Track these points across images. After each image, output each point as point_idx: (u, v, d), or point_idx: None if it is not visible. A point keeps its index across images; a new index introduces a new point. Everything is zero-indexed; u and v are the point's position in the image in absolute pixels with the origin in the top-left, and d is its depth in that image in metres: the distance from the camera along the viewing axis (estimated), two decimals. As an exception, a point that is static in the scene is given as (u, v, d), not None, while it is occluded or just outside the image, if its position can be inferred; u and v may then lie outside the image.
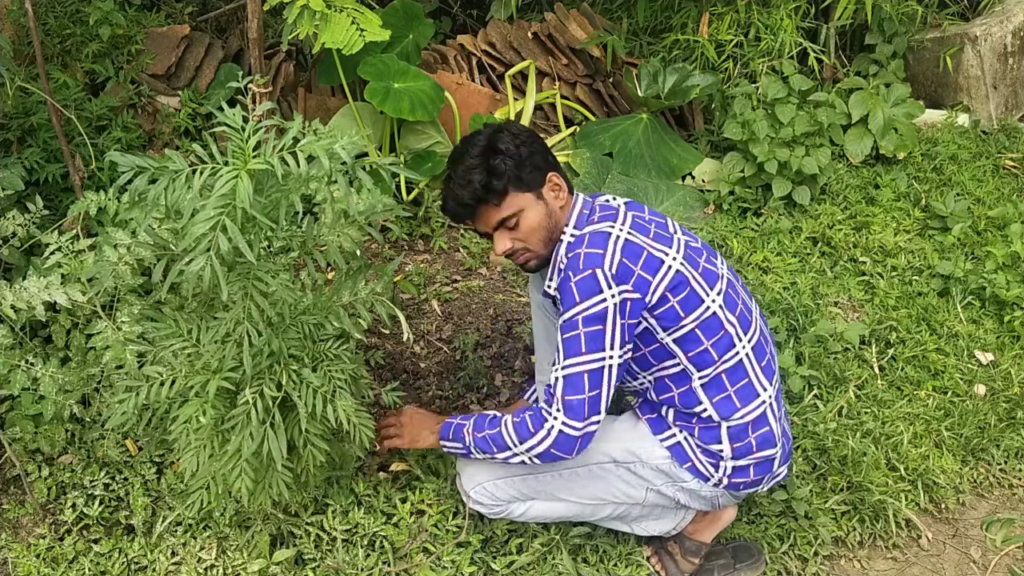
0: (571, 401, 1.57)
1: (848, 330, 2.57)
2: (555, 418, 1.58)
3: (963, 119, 3.69)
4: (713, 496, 1.78)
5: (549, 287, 1.72)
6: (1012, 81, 3.79)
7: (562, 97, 3.22)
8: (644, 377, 1.74)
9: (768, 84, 3.20)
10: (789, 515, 2.07)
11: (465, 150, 1.67)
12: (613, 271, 1.57)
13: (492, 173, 1.64)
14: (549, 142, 3.12)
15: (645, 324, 1.63)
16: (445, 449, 1.76)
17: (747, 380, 1.71)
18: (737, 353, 1.69)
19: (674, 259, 1.63)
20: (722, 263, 1.76)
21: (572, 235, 1.70)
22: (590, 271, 1.57)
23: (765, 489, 1.82)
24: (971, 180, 3.35)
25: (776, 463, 1.76)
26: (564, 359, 1.59)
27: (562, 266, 1.66)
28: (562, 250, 1.70)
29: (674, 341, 1.66)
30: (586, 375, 1.57)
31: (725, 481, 1.73)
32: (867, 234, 3.03)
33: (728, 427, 1.70)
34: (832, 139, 3.32)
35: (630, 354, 1.64)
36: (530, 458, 1.63)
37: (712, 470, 1.72)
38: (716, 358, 1.67)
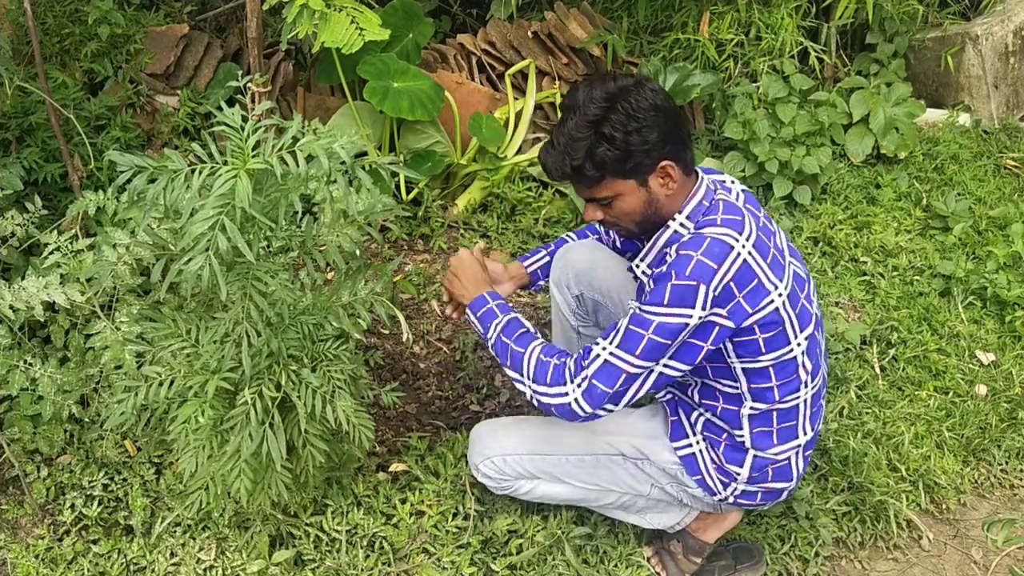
0: (595, 387, 1.50)
1: (849, 330, 2.56)
2: (573, 389, 1.52)
3: (964, 118, 3.69)
4: (716, 505, 1.79)
5: (639, 266, 1.63)
6: (1013, 80, 3.78)
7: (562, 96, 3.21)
8: (693, 379, 1.69)
9: (769, 83, 3.19)
10: (790, 516, 2.06)
11: (576, 111, 1.48)
12: (716, 293, 1.46)
13: (589, 156, 1.47)
14: (549, 141, 3.11)
15: (720, 346, 1.55)
16: (468, 317, 1.69)
17: (794, 423, 1.66)
18: (797, 398, 1.63)
19: (779, 295, 1.53)
20: (815, 296, 1.67)
21: (683, 225, 1.55)
22: (695, 283, 1.45)
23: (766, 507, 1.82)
24: (972, 180, 3.34)
25: (785, 493, 1.74)
26: (615, 345, 1.50)
27: (668, 259, 1.51)
28: (666, 236, 1.57)
29: (743, 370, 1.60)
30: (624, 375, 1.50)
31: (731, 499, 1.73)
32: (868, 234, 3.02)
33: (755, 456, 1.67)
34: (833, 139, 3.31)
35: (684, 372, 1.55)
36: (532, 395, 1.57)
37: (721, 488, 1.71)
38: (776, 399, 1.62)
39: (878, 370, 2.53)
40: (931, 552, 2.07)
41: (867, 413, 2.35)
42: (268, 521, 1.88)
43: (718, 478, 1.71)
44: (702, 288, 1.45)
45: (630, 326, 1.50)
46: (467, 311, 1.70)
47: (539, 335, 1.64)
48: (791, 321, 1.55)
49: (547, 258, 1.96)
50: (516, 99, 3.11)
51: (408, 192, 2.94)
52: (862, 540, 2.06)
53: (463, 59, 3.25)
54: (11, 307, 1.79)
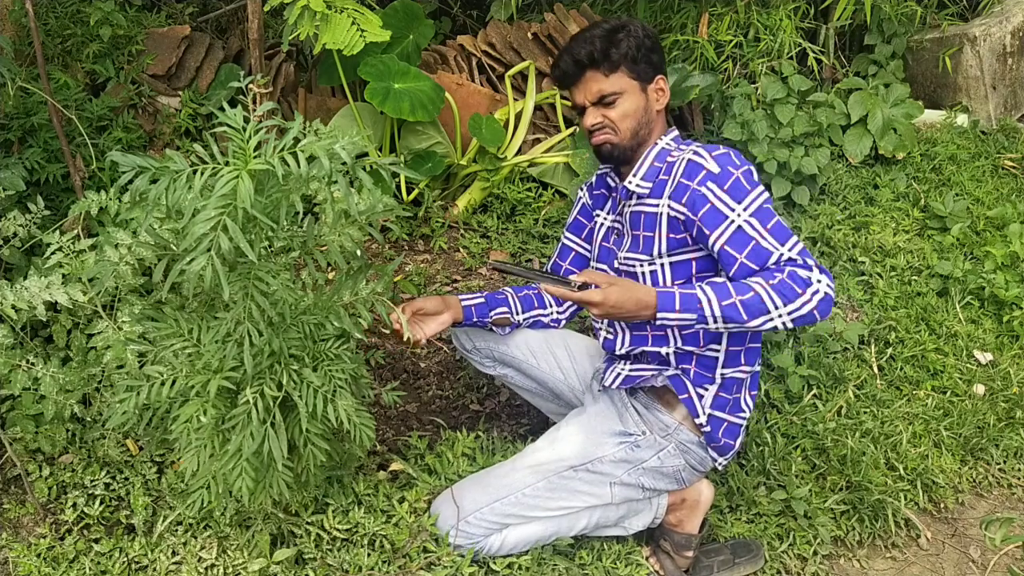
0: (822, 266, 1.59)
1: (847, 330, 2.57)
2: (819, 281, 1.55)
3: (962, 119, 3.70)
4: (675, 471, 1.81)
5: (632, 181, 1.76)
6: (1011, 81, 3.80)
7: (562, 97, 3.22)
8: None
9: (767, 84, 3.20)
10: (788, 514, 2.07)
11: (592, 26, 1.75)
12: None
13: (613, 43, 1.70)
14: (548, 143, 3.12)
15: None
16: (665, 321, 1.59)
17: (758, 346, 1.82)
18: None
19: None
20: None
21: (669, 144, 1.76)
22: (747, 167, 1.64)
23: (722, 462, 1.84)
24: (970, 180, 3.35)
25: (740, 437, 1.83)
26: (783, 243, 1.59)
27: (660, 165, 1.71)
28: (655, 151, 1.75)
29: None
30: (807, 250, 1.61)
31: (704, 419, 1.77)
32: (866, 234, 3.03)
33: (723, 375, 1.78)
34: (831, 139, 3.32)
35: None
36: (789, 319, 1.56)
37: (697, 399, 1.77)
38: None
39: (876, 370, 2.54)
40: (929, 551, 2.08)
41: (865, 412, 2.36)
42: (269, 520, 1.89)
43: (696, 388, 1.78)
44: (753, 169, 1.66)
45: (766, 227, 1.59)
46: (660, 316, 1.59)
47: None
48: None
49: (481, 300, 1.98)
50: (516, 100, 3.12)
51: (409, 192, 2.95)
52: (860, 539, 2.07)
53: (463, 60, 3.26)
54: (13, 307, 1.80)
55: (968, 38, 3.69)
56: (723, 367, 1.78)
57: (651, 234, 1.72)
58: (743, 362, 1.79)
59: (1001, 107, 3.80)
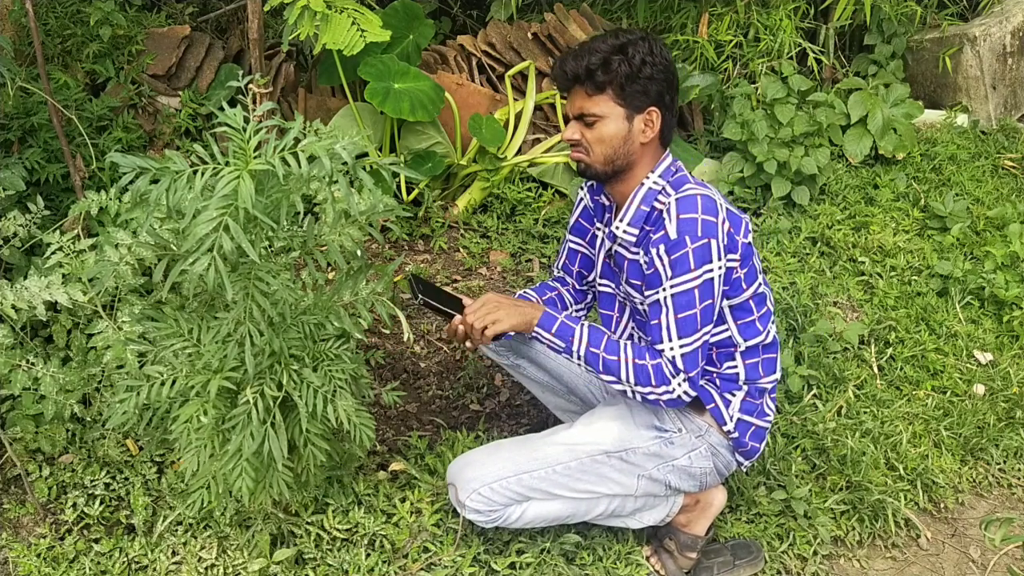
0: (693, 377, 1.66)
1: (847, 330, 2.57)
2: (677, 384, 1.66)
3: (962, 119, 3.70)
4: (702, 473, 1.82)
5: (619, 227, 1.75)
6: (1011, 81, 3.80)
7: (562, 98, 3.22)
8: None
9: (767, 84, 3.20)
10: (788, 514, 2.07)
11: (606, 36, 1.68)
12: (725, 242, 1.63)
13: (604, 64, 1.64)
14: (548, 143, 3.12)
15: None
16: (539, 337, 1.74)
17: (775, 356, 1.83)
18: (770, 331, 1.81)
19: (751, 230, 1.73)
20: None
21: (656, 182, 1.71)
22: (707, 240, 1.61)
23: (747, 465, 1.87)
24: (970, 180, 3.36)
25: (764, 440, 1.86)
26: (680, 337, 1.64)
27: (662, 217, 1.65)
28: (642, 193, 1.71)
29: (730, 309, 1.74)
30: (699, 351, 1.66)
31: (732, 425, 1.80)
32: (866, 234, 3.03)
33: (747, 382, 1.82)
34: (831, 139, 3.32)
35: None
36: (635, 394, 1.68)
37: (724, 406, 1.80)
38: (761, 330, 1.78)
39: (876, 370, 2.54)
40: (929, 551, 2.08)
41: (865, 412, 2.37)
42: (269, 520, 1.89)
43: (726, 393, 1.80)
44: (713, 243, 1.62)
45: (679, 315, 1.63)
46: (537, 330, 1.73)
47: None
48: (756, 254, 1.75)
49: None
50: (516, 100, 3.12)
51: (409, 192, 2.95)
52: (860, 539, 2.07)
53: (463, 60, 3.26)
54: (13, 307, 1.80)
55: (968, 38, 3.69)
56: (745, 380, 1.81)
57: (638, 282, 1.74)
58: (762, 374, 1.81)
59: (1001, 107, 3.80)
